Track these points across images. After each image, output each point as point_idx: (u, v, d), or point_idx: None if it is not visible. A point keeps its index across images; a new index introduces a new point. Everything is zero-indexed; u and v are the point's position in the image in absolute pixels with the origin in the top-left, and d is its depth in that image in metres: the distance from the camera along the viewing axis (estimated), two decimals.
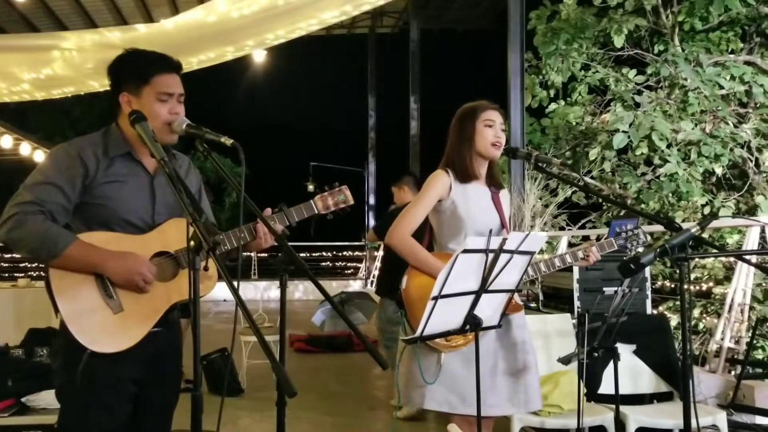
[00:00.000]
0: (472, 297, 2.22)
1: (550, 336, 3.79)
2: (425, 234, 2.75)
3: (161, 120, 2.06)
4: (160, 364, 2.11)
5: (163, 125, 2.07)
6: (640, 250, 2.81)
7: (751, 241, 4.47)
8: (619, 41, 8.80)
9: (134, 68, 2.10)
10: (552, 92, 9.57)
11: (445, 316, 2.19)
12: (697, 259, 6.51)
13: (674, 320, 6.27)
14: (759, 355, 6.40)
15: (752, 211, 8.20)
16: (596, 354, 2.87)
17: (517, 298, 2.56)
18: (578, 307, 4.21)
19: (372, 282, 13.74)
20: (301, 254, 15.33)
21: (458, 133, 2.68)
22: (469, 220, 2.62)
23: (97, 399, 1.99)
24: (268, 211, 2.17)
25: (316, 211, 2.24)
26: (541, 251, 2.79)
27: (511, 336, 2.64)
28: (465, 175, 2.65)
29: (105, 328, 1.97)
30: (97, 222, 2.04)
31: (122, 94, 2.10)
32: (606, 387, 3.51)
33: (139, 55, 2.15)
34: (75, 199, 2.03)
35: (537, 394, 2.65)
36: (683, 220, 7.66)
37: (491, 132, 2.63)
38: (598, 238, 2.81)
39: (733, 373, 4.35)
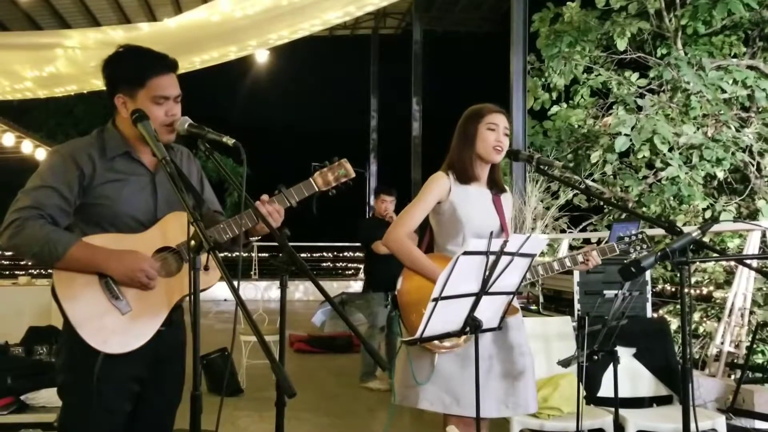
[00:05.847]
0: (472, 299, 2.22)
1: (550, 339, 3.79)
2: (425, 235, 2.76)
3: (158, 123, 2.04)
4: (162, 363, 2.12)
5: (160, 127, 2.05)
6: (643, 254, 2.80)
7: (752, 246, 4.47)
8: (621, 44, 8.80)
9: (129, 70, 2.06)
10: (554, 95, 9.57)
11: (445, 317, 2.19)
12: (697, 263, 6.50)
13: (674, 324, 6.26)
14: (759, 359, 6.39)
15: (753, 215, 8.20)
16: (596, 357, 2.86)
17: (515, 301, 2.55)
18: (578, 310, 4.20)
19: None
20: (302, 254, 15.39)
21: (461, 135, 2.69)
22: (468, 222, 2.62)
23: (100, 398, 1.99)
24: (266, 197, 2.12)
25: (317, 189, 2.15)
26: (542, 254, 2.79)
27: (507, 338, 2.64)
28: (465, 177, 2.65)
29: (115, 330, 1.97)
30: (100, 222, 2.04)
31: (117, 95, 2.07)
32: (605, 390, 3.51)
33: (134, 55, 2.10)
34: (74, 200, 2.02)
35: (533, 396, 2.64)
36: (684, 224, 7.65)
37: (493, 135, 2.63)
38: (599, 242, 2.80)
39: (732, 377, 4.34)
